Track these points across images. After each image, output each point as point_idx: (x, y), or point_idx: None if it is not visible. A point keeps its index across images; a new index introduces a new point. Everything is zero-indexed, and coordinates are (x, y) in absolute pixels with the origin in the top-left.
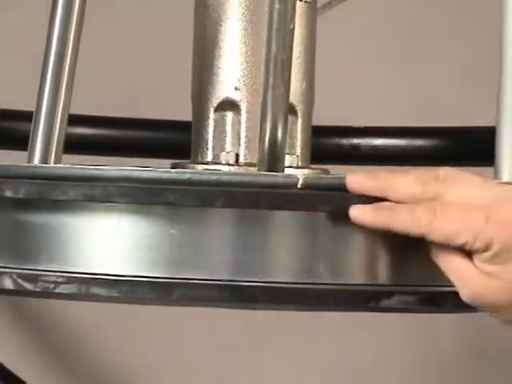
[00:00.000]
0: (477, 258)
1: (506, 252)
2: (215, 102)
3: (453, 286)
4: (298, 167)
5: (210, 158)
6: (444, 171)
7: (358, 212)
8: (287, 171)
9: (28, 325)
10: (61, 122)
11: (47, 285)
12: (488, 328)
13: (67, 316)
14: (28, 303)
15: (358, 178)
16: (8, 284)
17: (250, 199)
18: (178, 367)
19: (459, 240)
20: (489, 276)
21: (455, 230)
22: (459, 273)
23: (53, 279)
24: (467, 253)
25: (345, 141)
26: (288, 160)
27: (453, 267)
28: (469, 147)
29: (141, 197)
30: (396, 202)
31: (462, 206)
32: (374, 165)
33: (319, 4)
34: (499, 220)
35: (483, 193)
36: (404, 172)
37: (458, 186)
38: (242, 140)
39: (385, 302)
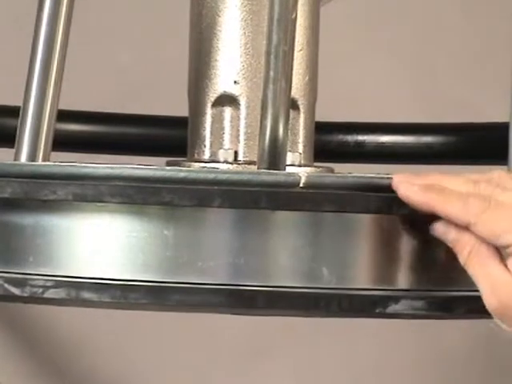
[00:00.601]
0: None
1: None
2: (213, 96)
3: (463, 290)
4: (300, 165)
5: (207, 155)
6: (498, 174)
7: (405, 188)
8: (289, 169)
9: (16, 331)
10: (49, 117)
11: (35, 289)
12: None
13: (56, 321)
14: (15, 308)
15: (406, 177)
16: None
17: (250, 199)
18: (174, 374)
19: (505, 239)
20: None
21: (504, 228)
22: (491, 279)
23: (41, 283)
24: (502, 260)
25: (350, 137)
26: (290, 158)
27: (485, 273)
28: (480, 144)
29: (134, 196)
30: None
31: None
32: (380, 163)
33: None
34: None
35: None
36: (455, 174)
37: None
38: (241, 137)
39: (392, 308)
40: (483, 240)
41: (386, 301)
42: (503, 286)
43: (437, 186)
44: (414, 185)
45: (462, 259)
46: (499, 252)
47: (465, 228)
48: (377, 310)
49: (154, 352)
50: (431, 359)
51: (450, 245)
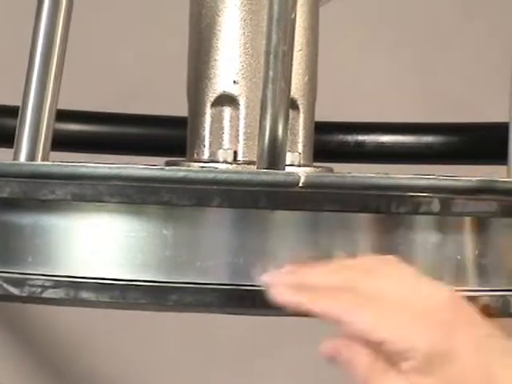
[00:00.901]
0: (407, 369)
1: (430, 360)
2: (212, 96)
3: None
4: (299, 165)
5: (206, 155)
6: (365, 261)
7: (276, 291)
8: (288, 169)
9: (15, 331)
10: (48, 117)
11: (34, 289)
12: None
13: (55, 321)
14: (15, 308)
15: (275, 277)
16: None
17: (249, 199)
18: (173, 374)
19: (378, 335)
20: None
21: (375, 323)
22: None
23: (40, 283)
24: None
25: (349, 137)
26: (289, 157)
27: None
28: (480, 144)
29: (133, 196)
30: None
31: (379, 300)
32: (380, 163)
33: None
34: (420, 321)
35: (404, 289)
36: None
37: (377, 278)
38: (241, 137)
39: None
40: (376, 353)
41: None
42: None
43: (306, 283)
44: (282, 286)
45: (358, 377)
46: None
47: (353, 344)
48: None
49: (153, 352)
50: None
51: (344, 367)
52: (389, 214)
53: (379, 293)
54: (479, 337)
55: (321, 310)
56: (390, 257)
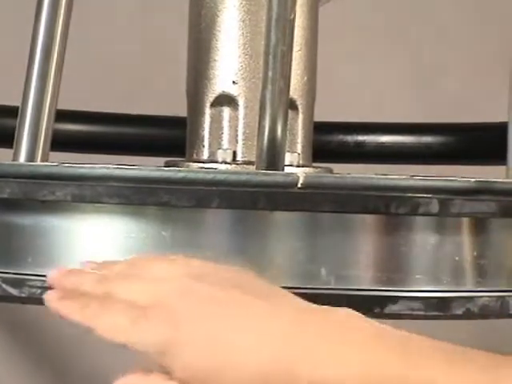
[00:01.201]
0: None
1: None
2: (211, 96)
3: (461, 291)
4: (298, 165)
5: (205, 155)
6: (122, 265)
7: (48, 298)
8: (287, 170)
9: (15, 331)
10: (48, 117)
11: (33, 290)
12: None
13: (55, 321)
14: (15, 308)
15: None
16: None
17: (248, 199)
18: None
19: (120, 338)
20: None
21: (117, 326)
22: None
23: (39, 284)
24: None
25: (349, 137)
26: (288, 158)
27: None
28: (480, 144)
29: (132, 197)
30: None
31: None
32: (380, 163)
33: None
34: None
35: (150, 287)
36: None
37: (128, 281)
38: (240, 137)
39: (390, 308)
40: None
41: (383, 301)
42: None
43: (77, 290)
44: (56, 292)
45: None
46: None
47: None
48: (375, 311)
49: None
50: None
51: None
52: (388, 214)
53: (127, 295)
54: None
55: (75, 318)
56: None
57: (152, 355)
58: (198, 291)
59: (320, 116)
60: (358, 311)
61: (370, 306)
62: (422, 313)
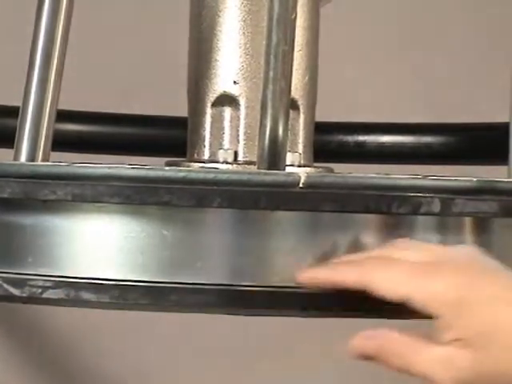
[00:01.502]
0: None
1: (452, 310)
2: (212, 96)
3: None
4: (299, 165)
5: (206, 155)
6: (401, 240)
7: (305, 275)
8: (288, 170)
9: (15, 331)
10: (49, 117)
11: (34, 290)
12: None
13: (55, 321)
14: (16, 308)
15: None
16: None
17: (249, 199)
18: (173, 374)
19: (401, 292)
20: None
21: (398, 281)
22: (439, 365)
23: (40, 284)
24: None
25: (350, 138)
26: (289, 158)
27: (430, 364)
28: (480, 144)
29: (133, 196)
30: None
31: (405, 263)
32: (380, 163)
33: None
34: (437, 276)
35: (428, 254)
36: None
37: (404, 250)
38: (241, 137)
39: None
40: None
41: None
42: (450, 365)
43: (334, 262)
44: (314, 270)
45: (397, 367)
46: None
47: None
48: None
49: (152, 352)
50: None
51: (376, 359)
52: (389, 214)
53: (403, 256)
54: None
55: (347, 278)
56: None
57: (431, 309)
58: (480, 262)
59: (321, 116)
60: (357, 310)
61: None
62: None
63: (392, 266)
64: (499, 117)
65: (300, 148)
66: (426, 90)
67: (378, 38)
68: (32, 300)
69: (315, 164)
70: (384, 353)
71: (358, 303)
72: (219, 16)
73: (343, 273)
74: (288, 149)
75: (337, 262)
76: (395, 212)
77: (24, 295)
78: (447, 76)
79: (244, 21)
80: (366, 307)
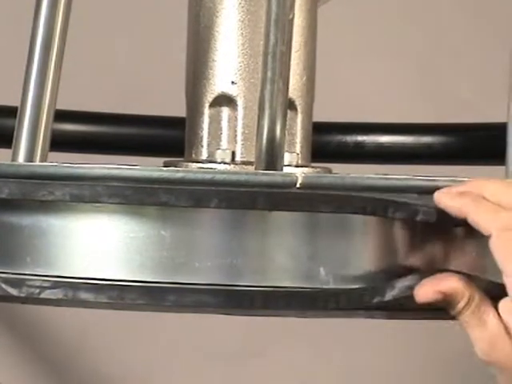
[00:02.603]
0: (506, 307)
1: None
2: (210, 96)
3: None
4: (297, 166)
5: (204, 156)
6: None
7: (441, 194)
8: (286, 170)
9: (15, 331)
10: (47, 118)
11: (32, 290)
12: None
13: (55, 322)
14: (15, 308)
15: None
16: None
17: (247, 199)
18: (172, 374)
19: (508, 267)
20: None
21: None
22: (487, 336)
23: (38, 284)
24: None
25: (348, 138)
26: (287, 158)
27: (479, 321)
28: (480, 144)
29: (131, 197)
30: None
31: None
32: (380, 163)
33: None
34: None
35: None
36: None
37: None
38: (239, 137)
39: (389, 294)
40: (478, 291)
41: (382, 291)
42: (500, 344)
43: (474, 192)
44: (450, 191)
45: (455, 311)
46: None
47: (457, 279)
48: (375, 300)
49: (151, 352)
50: (432, 362)
51: (444, 296)
52: (385, 217)
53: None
54: None
55: (479, 221)
56: None
57: None
58: None
59: (319, 116)
60: (358, 305)
61: (370, 297)
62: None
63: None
64: (499, 117)
65: (298, 148)
66: (426, 90)
67: (376, 38)
68: (30, 300)
69: (314, 164)
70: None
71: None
72: (217, 16)
73: (479, 213)
74: (286, 149)
75: (477, 195)
76: (392, 214)
77: (22, 295)
78: (447, 76)
79: (242, 21)
80: (366, 307)
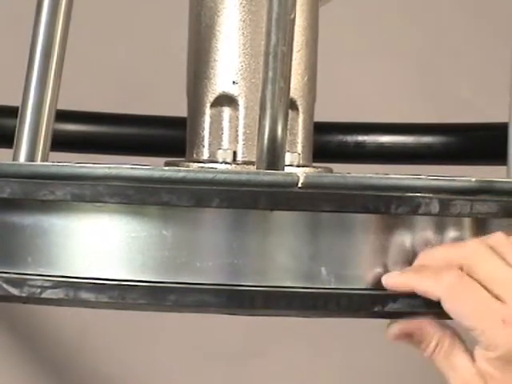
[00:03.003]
0: (480, 354)
1: (508, 357)
2: (211, 96)
3: None
4: (298, 165)
5: (205, 155)
6: (495, 238)
7: (387, 277)
8: (287, 169)
9: (15, 331)
10: (48, 117)
11: (33, 290)
12: None
13: (55, 322)
14: (15, 308)
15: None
16: None
17: (248, 199)
18: (172, 374)
19: (469, 322)
20: (487, 379)
21: (470, 309)
22: (459, 373)
23: (39, 284)
24: (467, 349)
25: (349, 138)
26: (288, 158)
27: (452, 365)
28: (480, 144)
29: (132, 197)
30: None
31: (481, 291)
32: (380, 163)
33: None
34: None
35: None
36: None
37: (491, 261)
38: (240, 137)
39: (390, 306)
40: (448, 330)
41: (384, 299)
42: (471, 378)
43: (414, 265)
44: (394, 272)
45: (426, 353)
46: (463, 342)
47: (427, 322)
48: (375, 309)
49: (151, 352)
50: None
51: (414, 339)
52: (388, 214)
53: (489, 279)
54: None
55: (424, 287)
56: None
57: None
58: None
59: (320, 116)
60: (358, 310)
61: (371, 304)
62: (422, 310)
63: (469, 289)
64: (499, 117)
65: (299, 148)
66: (426, 90)
67: (377, 38)
68: (31, 300)
69: (314, 164)
70: (420, 345)
71: (358, 302)
72: (218, 16)
73: (422, 279)
74: (287, 149)
75: (420, 266)
76: (394, 212)
77: (23, 295)
78: (447, 76)
79: (243, 21)
80: (366, 307)
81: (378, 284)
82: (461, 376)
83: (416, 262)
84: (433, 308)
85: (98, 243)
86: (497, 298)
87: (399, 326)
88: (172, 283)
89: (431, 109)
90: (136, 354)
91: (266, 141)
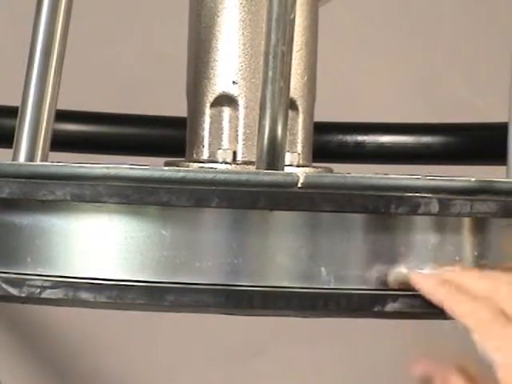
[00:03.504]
0: None
1: None
2: (211, 96)
3: None
4: (298, 165)
5: (205, 155)
6: None
7: (422, 280)
8: (287, 170)
9: (16, 331)
10: (48, 117)
11: (33, 290)
12: None
13: (56, 321)
14: (15, 308)
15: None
16: None
17: (248, 199)
18: (173, 376)
19: (491, 358)
20: None
21: (495, 346)
22: None
23: (39, 284)
24: None
25: (349, 138)
26: (288, 158)
27: None
28: (480, 144)
29: (131, 196)
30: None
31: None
32: (380, 163)
33: None
34: None
35: None
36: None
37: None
38: (240, 137)
39: (390, 306)
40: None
41: (384, 299)
42: None
43: (453, 282)
44: (430, 278)
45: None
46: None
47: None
48: (375, 309)
49: (151, 352)
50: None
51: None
52: (388, 214)
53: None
54: None
55: (458, 313)
56: None
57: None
58: None
59: (320, 116)
60: (358, 310)
61: (371, 304)
62: (422, 310)
63: (501, 329)
64: (499, 117)
65: (299, 148)
66: (426, 90)
67: (377, 38)
68: (30, 300)
69: (314, 164)
70: None
71: (358, 301)
72: (218, 16)
73: (458, 304)
74: (287, 149)
75: (456, 286)
76: (393, 212)
77: (23, 295)
78: (447, 76)
79: (243, 21)
80: (366, 307)
81: (377, 284)
82: None
83: (448, 274)
84: (433, 308)
85: (97, 243)
86: None
87: (424, 367)
88: (171, 283)
89: (431, 109)
90: (136, 354)
91: (265, 141)
